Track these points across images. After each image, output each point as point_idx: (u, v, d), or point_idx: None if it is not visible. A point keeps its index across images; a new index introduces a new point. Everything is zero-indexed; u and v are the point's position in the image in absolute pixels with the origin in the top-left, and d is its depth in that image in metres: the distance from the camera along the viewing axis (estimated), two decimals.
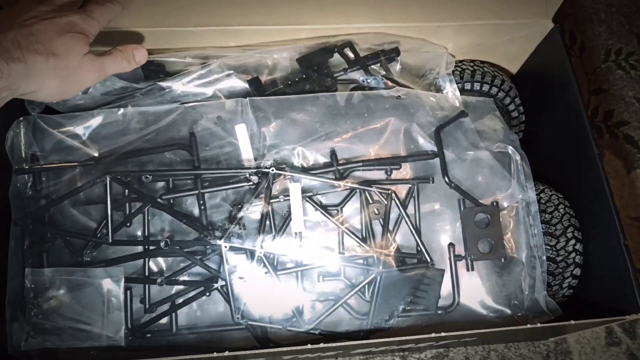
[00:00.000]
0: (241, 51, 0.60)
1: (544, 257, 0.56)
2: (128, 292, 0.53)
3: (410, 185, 0.56)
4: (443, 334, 0.49)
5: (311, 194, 0.54)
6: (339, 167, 0.54)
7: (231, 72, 0.60)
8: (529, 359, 0.67)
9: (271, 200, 0.53)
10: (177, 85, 0.59)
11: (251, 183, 0.53)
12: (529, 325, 0.50)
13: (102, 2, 0.53)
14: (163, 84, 0.59)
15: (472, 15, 0.63)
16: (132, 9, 0.59)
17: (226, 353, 0.47)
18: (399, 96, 0.58)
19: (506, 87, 0.65)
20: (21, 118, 0.56)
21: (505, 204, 0.56)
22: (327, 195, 0.55)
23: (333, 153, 0.55)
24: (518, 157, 0.57)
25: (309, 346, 0.49)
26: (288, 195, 0.53)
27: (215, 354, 0.47)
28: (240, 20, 0.60)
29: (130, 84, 0.60)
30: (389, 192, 0.54)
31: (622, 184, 0.78)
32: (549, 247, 0.57)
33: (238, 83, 0.60)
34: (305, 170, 0.55)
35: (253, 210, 0.53)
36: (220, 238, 0.52)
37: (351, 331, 0.53)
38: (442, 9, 0.62)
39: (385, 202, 0.54)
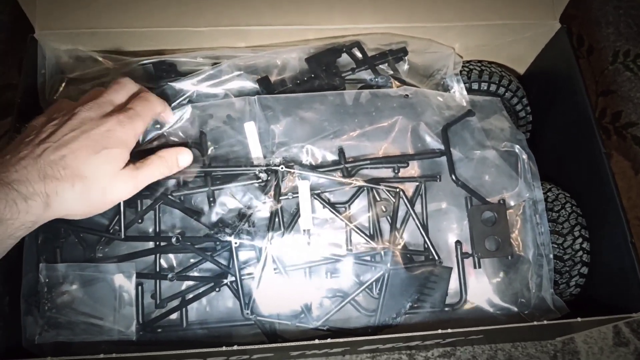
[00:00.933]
0: (251, 51, 0.61)
1: (551, 256, 0.56)
2: (139, 287, 0.53)
3: (417, 184, 0.56)
4: (449, 330, 0.50)
5: (319, 191, 0.54)
6: (347, 165, 0.55)
7: (241, 72, 0.60)
8: (536, 359, 0.67)
9: (280, 197, 0.54)
10: (188, 85, 0.60)
11: (260, 181, 0.54)
12: (535, 323, 0.51)
13: (145, 96, 0.50)
14: (174, 84, 0.60)
15: (479, 16, 0.63)
16: (144, 10, 0.61)
17: (235, 347, 0.48)
18: (407, 95, 0.58)
19: (513, 87, 0.66)
20: None
21: (512, 203, 0.56)
22: (334, 192, 0.55)
23: (341, 151, 0.55)
24: (525, 156, 0.57)
25: (317, 341, 0.50)
26: (296, 193, 0.54)
27: (224, 348, 0.48)
28: (251, 21, 0.61)
29: (142, 84, 0.61)
30: (397, 190, 0.55)
31: (629, 185, 0.78)
32: (556, 246, 0.58)
33: (248, 83, 0.61)
34: (313, 167, 0.55)
35: (262, 208, 0.54)
36: (230, 235, 0.53)
37: (359, 327, 0.54)
38: (449, 9, 0.63)
39: (393, 200, 0.55)
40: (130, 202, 0.54)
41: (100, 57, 0.62)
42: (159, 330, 0.53)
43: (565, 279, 0.58)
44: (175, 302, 0.54)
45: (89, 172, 0.43)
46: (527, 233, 0.56)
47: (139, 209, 0.54)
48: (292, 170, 0.54)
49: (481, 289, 0.55)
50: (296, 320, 0.53)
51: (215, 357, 0.53)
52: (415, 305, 0.54)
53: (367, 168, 0.55)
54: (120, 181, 0.45)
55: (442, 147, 0.56)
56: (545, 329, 0.54)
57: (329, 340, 0.50)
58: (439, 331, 0.50)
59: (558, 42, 0.64)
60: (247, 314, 0.53)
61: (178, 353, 0.50)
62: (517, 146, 0.57)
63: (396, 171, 0.56)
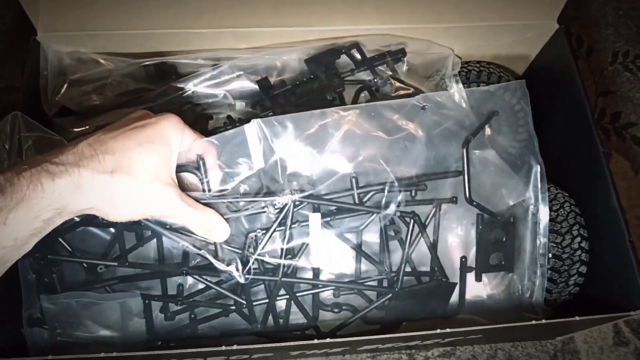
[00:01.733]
0: (251, 53, 0.62)
1: (547, 267, 0.56)
2: (147, 301, 0.53)
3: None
4: (448, 330, 0.50)
5: (329, 218, 0.52)
6: (359, 192, 0.51)
7: (241, 73, 0.61)
8: (536, 358, 0.67)
9: (291, 226, 0.50)
10: (189, 86, 0.61)
11: (270, 213, 0.50)
12: (533, 322, 0.51)
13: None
14: (176, 85, 0.61)
15: (478, 17, 0.64)
16: (146, 11, 0.61)
17: (235, 346, 0.48)
18: (424, 106, 0.52)
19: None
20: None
21: (517, 209, 0.56)
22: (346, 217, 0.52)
23: (354, 178, 0.51)
24: (537, 167, 0.56)
25: (316, 341, 0.50)
26: (306, 221, 0.51)
27: (224, 347, 0.48)
28: (251, 23, 0.62)
29: (144, 85, 0.62)
30: (412, 216, 0.52)
31: (629, 185, 0.78)
32: (554, 245, 0.58)
33: (248, 84, 0.61)
34: (324, 195, 0.51)
35: (272, 239, 0.51)
36: (243, 273, 0.50)
37: (360, 332, 0.54)
38: (448, 11, 0.63)
39: (406, 228, 0.52)
40: (129, 227, 0.52)
41: (102, 58, 0.63)
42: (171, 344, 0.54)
43: (564, 278, 0.58)
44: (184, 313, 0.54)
45: (131, 165, 0.40)
46: (526, 240, 0.56)
47: (139, 233, 0.52)
48: (303, 200, 0.50)
49: (476, 292, 0.56)
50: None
51: (215, 356, 0.54)
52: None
53: (380, 192, 0.51)
54: (161, 194, 0.41)
55: (456, 152, 0.52)
56: (545, 328, 0.54)
57: (328, 340, 0.50)
58: (438, 331, 0.50)
59: (556, 43, 0.65)
60: (257, 326, 0.53)
61: (178, 352, 0.51)
62: (531, 155, 0.56)
63: (413, 195, 0.52)
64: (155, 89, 0.62)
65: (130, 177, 0.40)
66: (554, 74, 0.67)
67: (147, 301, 0.53)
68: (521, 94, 0.56)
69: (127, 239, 0.52)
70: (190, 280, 0.54)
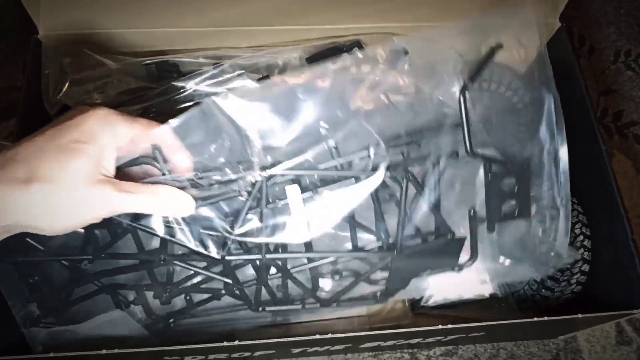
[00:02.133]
0: (253, 51, 0.62)
1: (569, 207, 0.49)
2: (141, 289, 0.52)
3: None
4: (450, 325, 0.50)
5: (311, 193, 0.47)
6: (341, 161, 0.45)
7: (242, 71, 0.61)
8: (538, 357, 0.66)
9: (268, 205, 0.46)
10: (191, 85, 0.61)
11: (243, 195, 0.46)
12: (535, 319, 0.50)
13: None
14: (177, 83, 0.61)
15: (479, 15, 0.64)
16: (147, 10, 0.61)
17: (236, 342, 0.48)
18: (406, 51, 0.46)
19: (514, 86, 0.66)
20: None
21: (530, 152, 0.50)
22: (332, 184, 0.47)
23: (335, 148, 0.45)
24: (551, 100, 0.50)
25: (317, 336, 0.50)
26: (285, 198, 0.46)
27: (225, 343, 0.48)
28: (252, 21, 0.62)
29: (145, 84, 0.62)
30: (404, 174, 0.46)
31: (631, 184, 0.78)
32: None
33: (249, 82, 0.61)
34: (301, 167, 0.45)
35: (249, 219, 0.46)
36: (220, 254, 0.46)
37: (366, 294, 0.51)
38: (450, 9, 0.63)
39: (401, 186, 0.46)
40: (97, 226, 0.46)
41: (104, 57, 0.63)
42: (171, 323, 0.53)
43: (567, 277, 0.58)
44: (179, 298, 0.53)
45: (50, 171, 0.35)
46: (543, 184, 0.50)
47: (111, 229, 0.50)
48: (276, 173, 0.44)
49: (490, 245, 0.50)
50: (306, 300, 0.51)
51: (217, 353, 0.54)
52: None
53: (367, 157, 0.46)
54: (95, 195, 0.36)
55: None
56: (547, 325, 0.54)
57: (329, 336, 0.50)
58: (440, 327, 0.50)
59: (558, 41, 0.65)
60: (254, 306, 0.51)
61: (180, 349, 0.50)
62: (544, 87, 0.50)
63: (405, 154, 0.46)
64: (157, 88, 0.62)
65: (50, 185, 0.35)
66: (555, 73, 0.66)
67: (137, 291, 0.52)
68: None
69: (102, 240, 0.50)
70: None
